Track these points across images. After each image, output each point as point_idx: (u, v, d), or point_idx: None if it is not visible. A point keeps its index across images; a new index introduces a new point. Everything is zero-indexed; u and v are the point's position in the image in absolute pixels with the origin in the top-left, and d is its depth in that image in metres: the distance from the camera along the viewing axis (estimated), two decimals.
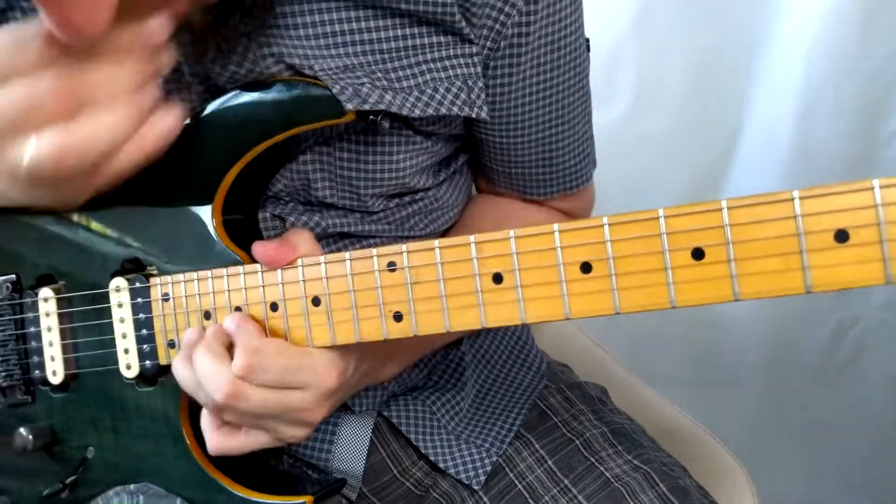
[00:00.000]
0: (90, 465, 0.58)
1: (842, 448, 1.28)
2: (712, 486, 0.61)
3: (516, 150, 0.62)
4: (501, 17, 0.53)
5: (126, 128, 0.45)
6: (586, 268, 0.42)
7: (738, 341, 1.25)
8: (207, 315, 0.52)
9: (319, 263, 0.48)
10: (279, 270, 0.49)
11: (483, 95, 0.55)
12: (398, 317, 0.46)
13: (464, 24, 0.52)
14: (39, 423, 0.59)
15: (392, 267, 0.46)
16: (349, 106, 0.49)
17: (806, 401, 1.27)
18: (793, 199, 0.38)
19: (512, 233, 0.43)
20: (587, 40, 0.59)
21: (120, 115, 0.44)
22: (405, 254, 0.46)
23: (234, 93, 0.50)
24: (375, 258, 0.46)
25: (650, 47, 1.08)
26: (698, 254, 0.39)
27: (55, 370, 0.57)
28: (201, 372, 0.47)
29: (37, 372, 0.58)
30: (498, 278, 0.44)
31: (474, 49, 0.53)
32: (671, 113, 1.12)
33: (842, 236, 0.37)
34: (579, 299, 0.42)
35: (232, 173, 0.51)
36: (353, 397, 0.61)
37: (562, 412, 0.64)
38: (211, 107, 0.51)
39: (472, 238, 0.44)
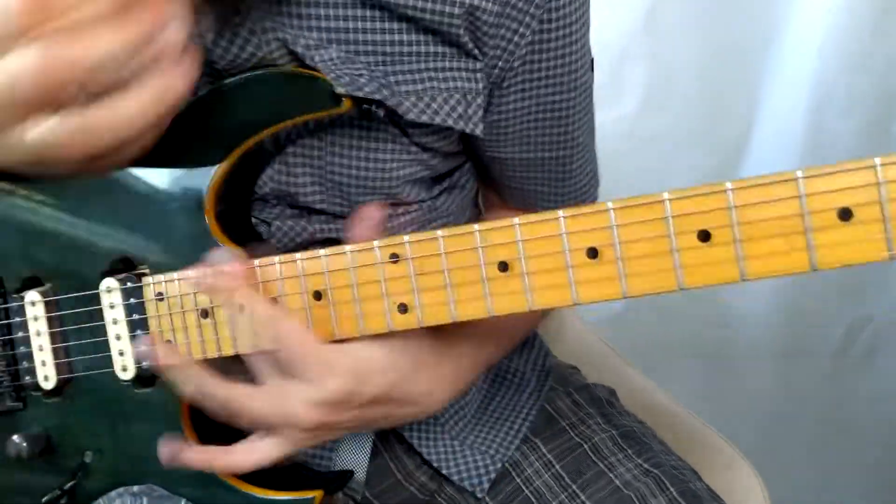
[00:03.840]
0: (89, 469, 0.59)
1: (854, 450, 1.31)
2: (723, 488, 0.62)
3: (528, 169, 0.63)
4: (515, 38, 0.54)
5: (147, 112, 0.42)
6: (593, 253, 0.43)
7: (749, 342, 1.28)
8: (205, 314, 0.53)
9: (319, 257, 0.49)
10: (278, 266, 0.50)
11: (480, 112, 0.56)
12: (403, 308, 0.48)
13: (467, 39, 0.53)
14: (33, 429, 0.60)
15: (394, 258, 0.48)
16: (341, 90, 0.50)
17: (818, 401, 1.29)
18: (796, 179, 0.39)
19: (517, 220, 0.45)
20: (591, 59, 0.61)
21: (143, 96, 0.41)
22: (407, 244, 0.47)
23: (225, 82, 0.51)
24: (377, 249, 0.48)
25: (661, 42, 1.10)
26: (704, 236, 0.41)
27: (47, 375, 0.58)
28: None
29: (27, 378, 0.59)
30: (504, 266, 0.45)
31: (478, 65, 0.54)
32: (682, 109, 1.14)
33: (845, 214, 0.39)
34: (587, 285, 0.44)
35: (226, 165, 0.51)
36: None
37: (569, 415, 0.65)
38: (204, 96, 0.51)
39: (476, 227, 0.46)
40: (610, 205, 0.43)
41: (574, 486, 0.60)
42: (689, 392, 0.92)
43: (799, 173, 0.39)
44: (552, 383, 0.69)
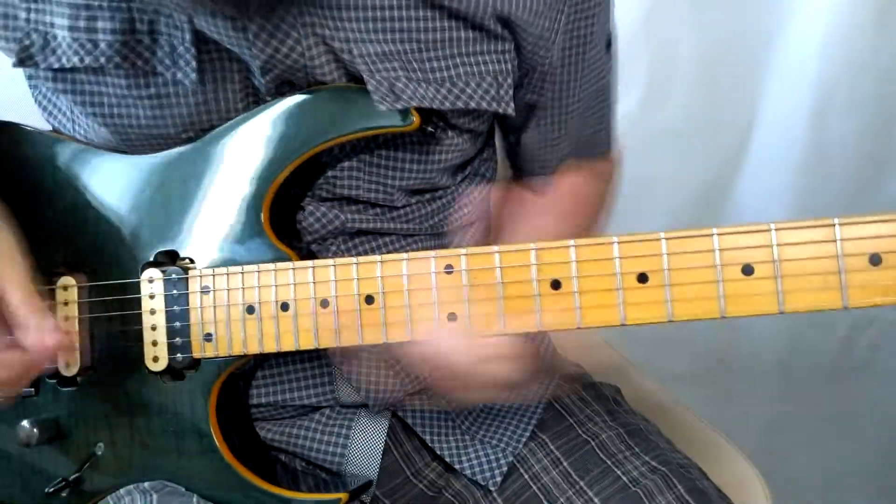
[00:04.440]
0: (98, 461, 0.58)
1: (857, 451, 1.32)
2: (726, 488, 0.64)
3: (553, 141, 0.67)
4: (554, 25, 0.59)
5: None
6: (643, 278, 0.47)
7: (752, 342, 1.29)
8: (251, 309, 0.54)
9: (375, 262, 0.51)
10: (332, 268, 0.52)
11: (510, 91, 0.59)
12: (452, 317, 0.50)
13: (501, 28, 0.57)
14: (44, 417, 0.59)
15: (449, 269, 0.50)
16: (382, 107, 0.53)
17: (820, 402, 1.31)
18: (833, 225, 0.44)
19: (572, 242, 0.48)
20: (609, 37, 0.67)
21: None
22: (463, 257, 0.50)
23: (299, 93, 0.54)
24: (433, 260, 0.50)
25: (661, 41, 1.12)
26: (748, 270, 0.45)
27: (69, 362, 0.58)
28: None
29: (46, 363, 0.58)
30: (556, 284, 0.48)
31: (506, 45, 0.58)
32: (683, 107, 1.15)
33: (875, 259, 0.44)
34: (635, 307, 0.47)
35: (288, 170, 0.53)
36: (370, 394, 0.63)
37: (577, 413, 0.67)
38: (276, 103, 0.54)
39: (532, 245, 0.49)
40: (662, 235, 0.47)
41: (581, 483, 0.61)
42: (691, 392, 0.92)
43: (836, 220, 0.44)
44: (559, 381, 0.70)
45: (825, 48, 1.11)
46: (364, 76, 0.54)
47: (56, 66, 0.54)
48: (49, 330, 0.51)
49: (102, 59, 0.54)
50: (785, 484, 0.93)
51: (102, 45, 0.54)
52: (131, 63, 0.54)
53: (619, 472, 0.61)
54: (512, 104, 0.59)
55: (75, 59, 0.54)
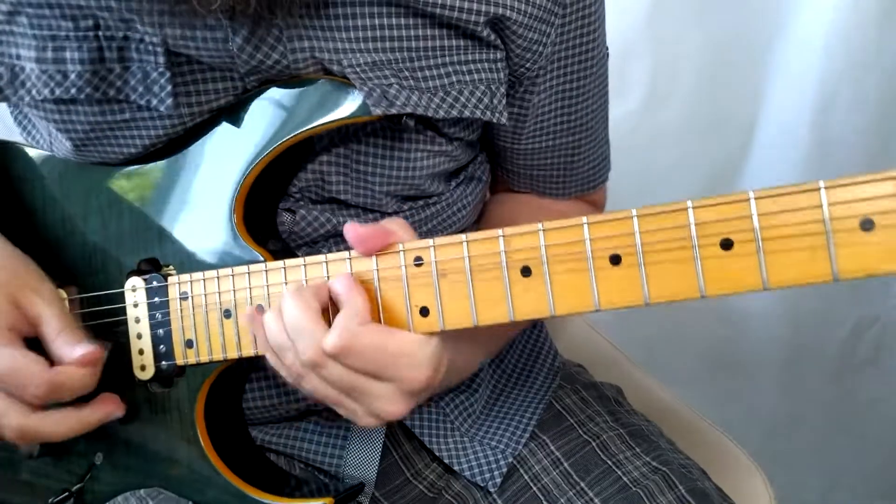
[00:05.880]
0: (98, 471, 0.59)
1: (860, 450, 1.29)
2: (729, 488, 0.62)
3: (539, 155, 0.65)
4: (543, 39, 0.56)
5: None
6: (615, 259, 0.44)
7: (755, 341, 1.27)
8: (227, 313, 0.53)
9: (345, 259, 0.50)
10: (303, 267, 0.51)
11: (504, 101, 0.58)
12: (424, 311, 0.48)
13: (488, 32, 0.55)
14: None
15: (419, 262, 0.48)
16: (377, 110, 0.51)
17: (824, 402, 1.28)
18: (819, 189, 0.40)
19: (540, 226, 0.45)
20: (606, 48, 0.63)
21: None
22: (432, 248, 0.48)
23: (258, 90, 0.53)
24: (402, 253, 0.49)
25: (664, 39, 1.10)
26: (727, 244, 0.42)
27: None
28: (291, 324, 0.47)
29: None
30: (526, 271, 0.46)
31: (498, 54, 0.56)
32: (685, 106, 1.14)
33: (867, 224, 0.40)
34: (609, 291, 0.44)
35: (255, 170, 0.53)
36: None
37: (578, 413, 0.65)
38: (236, 105, 0.53)
39: (500, 232, 0.46)
40: (633, 212, 0.44)
41: (582, 484, 0.59)
42: (693, 392, 0.90)
43: (821, 183, 0.40)
44: (560, 381, 0.69)
45: (828, 47, 1.08)
46: (356, 85, 0.52)
47: (27, 98, 0.54)
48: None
49: (73, 90, 0.53)
50: (788, 484, 0.89)
51: (72, 77, 0.53)
52: (103, 93, 0.53)
53: (619, 473, 0.59)
54: (505, 113, 0.58)
55: (46, 92, 0.53)
